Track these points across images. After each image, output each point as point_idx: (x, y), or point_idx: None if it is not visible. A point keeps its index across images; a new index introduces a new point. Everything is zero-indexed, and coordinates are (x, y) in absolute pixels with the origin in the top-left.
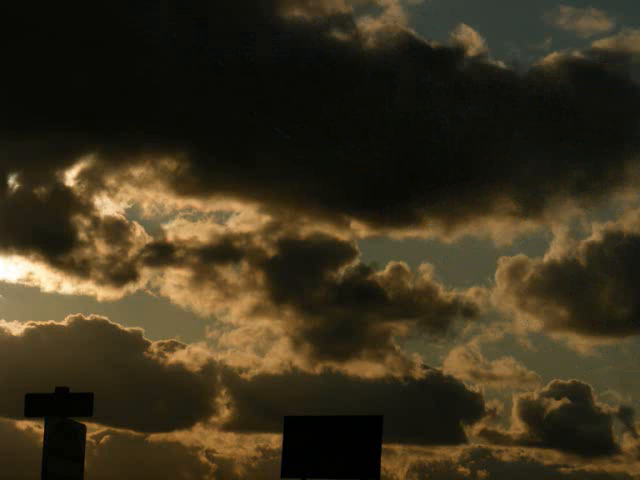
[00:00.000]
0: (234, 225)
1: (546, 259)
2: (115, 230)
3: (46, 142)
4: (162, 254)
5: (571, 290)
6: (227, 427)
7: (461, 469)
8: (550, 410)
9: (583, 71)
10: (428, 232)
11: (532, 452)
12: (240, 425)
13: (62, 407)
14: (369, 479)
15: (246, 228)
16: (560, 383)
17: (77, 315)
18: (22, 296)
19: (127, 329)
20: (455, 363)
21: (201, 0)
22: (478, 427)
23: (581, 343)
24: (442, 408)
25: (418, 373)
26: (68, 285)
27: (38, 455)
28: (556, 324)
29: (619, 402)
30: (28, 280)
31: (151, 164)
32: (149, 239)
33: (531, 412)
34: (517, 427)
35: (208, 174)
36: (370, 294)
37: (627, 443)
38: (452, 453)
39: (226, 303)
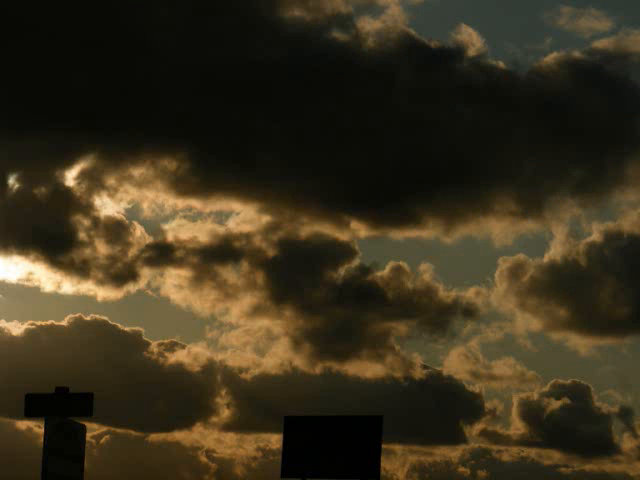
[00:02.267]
0: (234, 225)
1: (546, 259)
2: (115, 230)
3: (46, 142)
4: (162, 254)
5: (571, 290)
6: (227, 427)
7: (461, 469)
8: (550, 410)
9: (583, 71)
10: (428, 232)
11: (532, 452)
12: (240, 425)
13: (62, 407)
14: (369, 479)
15: (246, 228)
16: (560, 383)
17: (77, 315)
18: (22, 296)
19: (127, 329)
20: (455, 363)
21: (201, 0)
22: (478, 427)
23: (581, 343)
24: (442, 408)
25: (418, 373)
26: (68, 285)
27: (38, 455)
28: (556, 324)
29: (619, 402)
30: (28, 280)
31: (151, 164)
32: (149, 239)
33: (531, 412)
34: (517, 427)
35: (208, 174)
36: (370, 294)
37: (627, 443)
38: (452, 453)
39: (226, 303)
